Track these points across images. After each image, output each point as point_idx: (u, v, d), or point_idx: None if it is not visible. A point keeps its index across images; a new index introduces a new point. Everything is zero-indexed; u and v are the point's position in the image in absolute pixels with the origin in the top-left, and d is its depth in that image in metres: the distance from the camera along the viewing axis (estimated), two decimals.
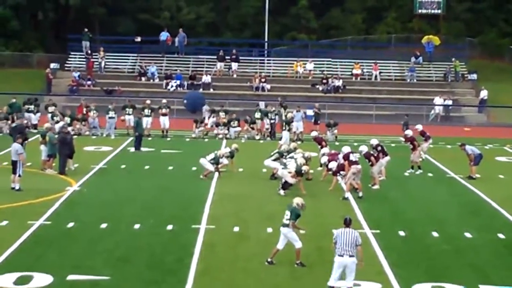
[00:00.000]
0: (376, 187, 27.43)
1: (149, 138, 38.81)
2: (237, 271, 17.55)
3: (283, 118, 39.92)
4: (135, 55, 57.42)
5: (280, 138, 37.69)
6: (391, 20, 69.20)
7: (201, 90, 52.12)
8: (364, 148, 28.03)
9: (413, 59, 57.23)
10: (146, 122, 39.23)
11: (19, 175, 25.42)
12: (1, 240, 19.33)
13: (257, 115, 41.80)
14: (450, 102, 51.85)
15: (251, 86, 53.86)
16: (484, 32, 66.87)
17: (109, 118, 40.29)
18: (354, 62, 56.84)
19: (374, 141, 29.19)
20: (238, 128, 40.99)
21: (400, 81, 56.24)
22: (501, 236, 21.22)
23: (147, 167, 31.07)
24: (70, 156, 29.42)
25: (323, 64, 57.40)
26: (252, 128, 41.18)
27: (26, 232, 20.23)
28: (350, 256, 15.50)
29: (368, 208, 24.20)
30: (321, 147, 30.45)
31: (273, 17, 65.05)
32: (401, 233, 21.26)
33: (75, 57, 57.14)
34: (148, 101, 41.64)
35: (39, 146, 29.87)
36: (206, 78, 54.03)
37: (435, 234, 21.22)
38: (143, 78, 54.68)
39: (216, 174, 28.74)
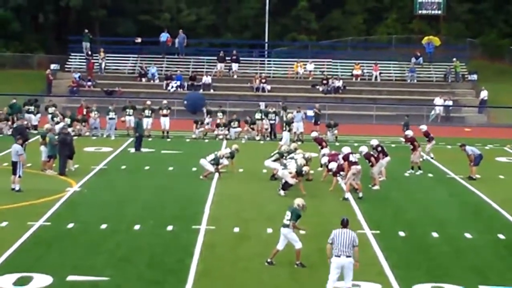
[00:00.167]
0: (376, 187, 27.43)
1: (150, 139, 38.82)
2: (237, 272, 17.55)
3: (284, 119, 39.91)
4: (135, 56, 57.46)
5: (281, 139, 37.70)
6: (391, 21, 69.25)
7: (201, 91, 52.13)
8: (364, 149, 28.03)
9: (413, 59, 57.25)
10: (147, 122, 39.23)
11: (19, 176, 25.42)
12: (1, 241, 19.33)
13: (258, 115, 41.81)
14: (450, 103, 51.85)
15: (251, 87, 53.87)
16: (484, 33, 66.91)
17: (109, 119, 40.30)
18: (354, 62, 56.89)
19: (374, 142, 29.19)
20: (239, 129, 41.01)
21: (401, 82, 56.26)
22: (501, 236, 21.21)
23: (147, 167, 31.07)
24: (70, 157, 29.42)
25: (324, 64, 57.43)
26: (252, 129, 41.20)
27: (26, 233, 20.23)
28: (347, 256, 15.51)
29: (368, 208, 24.20)
30: (321, 148, 30.45)
31: (274, 18, 65.13)
32: (401, 233, 21.26)
33: (75, 58, 57.19)
34: (148, 102, 41.68)
35: (39, 147, 29.87)
36: (207, 79, 54.04)
37: (435, 234, 21.22)
38: (143, 79, 54.72)
39: (216, 174, 28.74)
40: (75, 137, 33.11)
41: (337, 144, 37.23)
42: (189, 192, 26.35)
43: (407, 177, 30.49)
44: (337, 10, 70.10)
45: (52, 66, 55.48)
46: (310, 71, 55.70)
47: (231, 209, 23.87)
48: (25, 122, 38.74)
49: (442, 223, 22.76)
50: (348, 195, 25.60)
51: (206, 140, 40.00)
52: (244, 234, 20.87)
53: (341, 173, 26.76)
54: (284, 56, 60.90)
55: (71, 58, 57.41)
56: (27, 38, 64.53)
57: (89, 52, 55.67)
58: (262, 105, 46.34)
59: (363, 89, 54.76)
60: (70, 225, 21.22)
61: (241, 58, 56.84)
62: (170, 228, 21.22)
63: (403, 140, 33.17)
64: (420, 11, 61.88)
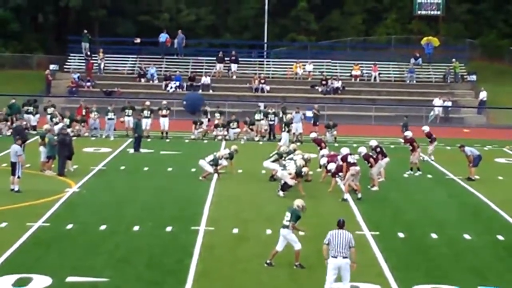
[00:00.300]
0: (375, 188, 27.43)
1: (149, 140, 38.82)
2: (237, 273, 17.56)
3: (284, 119, 39.89)
4: (135, 56, 57.42)
5: (280, 140, 37.70)
6: (390, 21, 69.20)
7: (200, 91, 52.12)
8: (363, 150, 28.05)
9: (412, 60, 57.22)
10: (146, 123, 39.25)
11: (18, 177, 25.41)
12: (0, 242, 19.31)
13: (257, 116, 41.81)
14: (449, 103, 51.83)
15: (250, 87, 53.86)
16: (484, 34, 66.87)
17: (108, 119, 40.29)
18: (353, 63, 56.86)
19: (373, 143, 29.20)
20: (238, 130, 40.99)
21: (400, 82, 56.23)
22: (500, 238, 21.22)
23: (146, 168, 31.06)
24: (69, 158, 29.43)
25: (323, 65, 57.40)
26: (252, 130, 41.19)
27: (25, 234, 20.22)
28: (344, 257, 15.53)
29: (367, 209, 24.21)
30: (320, 149, 30.45)
31: (273, 18, 65.14)
32: (401, 234, 21.27)
33: (74, 59, 57.15)
34: (147, 103, 41.68)
35: (38, 148, 29.86)
36: (206, 80, 54.03)
37: (434, 235, 21.22)
38: (142, 80, 54.69)
39: (215, 175, 28.74)
40: (74, 138, 33.10)
41: (336, 144, 37.26)
42: (188, 193, 26.35)
43: (406, 178, 30.50)
44: (336, 10, 70.09)
45: (51, 67, 55.43)
46: (309, 72, 55.69)
47: (230, 210, 23.87)
48: (24, 123, 38.78)
49: (441, 224, 22.76)
50: (347, 196, 25.60)
51: (205, 141, 40.00)
52: (243, 235, 20.87)
53: (340, 174, 26.76)
54: (283, 56, 60.91)
55: (70, 59, 57.38)
56: (27, 38, 64.50)
57: (88, 53, 55.62)
58: (262, 105, 46.36)
59: (362, 90, 54.76)
60: (69, 226, 21.22)
61: (240, 59, 56.79)
62: (169, 229, 21.22)
63: (402, 141, 33.17)
64: (419, 12, 61.82)
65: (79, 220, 21.98)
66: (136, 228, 21.23)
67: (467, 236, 21.25)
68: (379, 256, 19.02)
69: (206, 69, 56.15)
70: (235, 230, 21.26)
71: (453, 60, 56.28)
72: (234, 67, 55.83)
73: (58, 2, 64.06)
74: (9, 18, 63.12)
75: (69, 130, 34.92)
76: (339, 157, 27.24)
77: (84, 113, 41.58)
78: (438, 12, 61.52)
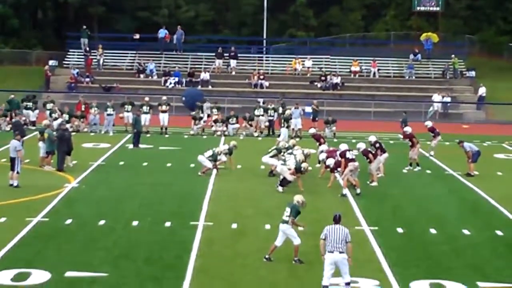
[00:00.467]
0: (374, 184, 27.44)
1: (148, 135, 38.81)
2: (236, 268, 17.56)
3: (283, 115, 39.89)
4: (134, 52, 57.46)
5: (279, 135, 37.71)
6: (389, 17, 69.26)
7: (199, 87, 52.13)
8: (362, 145, 28.06)
9: (411, 56, 57.20)
10: (145, 119, 39.26)
11: (17, 172, 25.41)
12: None
13: (257, 112, 41.79)
14: (448, 99, 51.84)
15: (249, 83, 53.85)
16: (483, 30, 66.93)
17: (108, 115, 40.28)
18: (352, 59, 56.88)
19: (372, 138, 29.19)
20: (237, 125, 40.97)
21: (399, 78, 56.24)
22: (499, 233, 21.22)
23: (145, 164, 31.06)
24: (68, 153, 29.42)
25: (322, 61, 57.39)
26: (251, 125, 41.18)
27: (24, 229, 20.22)
28: (340, 252, 15.54)
29: (366, 205, 24.21)
30: (320, 144, 30.45)
31: (272, 14, 65.14)
32: (400, 230, 21.27)
33: (73, 54, 57.18)
34: (146, 98, 41.67)
35: (38, 143, 29.84)
36: (205, 75, 54.01)
37: (433, 231, 21.22)
38: (141, 75, 54.70)
39: (214, 171, 28.74)
40: (73, 133, 33.09)
41: (335, 140, 37.25)
42: (187, 189, 26.35)
43: (405, 173, 30.50)
44: (336, 6, 70.13)
45: (51, 62, 55.44)
46: (308, 68, 55.69)
47: (229, 205, 23.87)
48: (23, 118, 38.77)
49: (440, 219, 22.76)
50: (345, 191, 25.60)
51: (204, 137, 39.98)
52: (242, 230, 20.87)
53: (338, 169, 26.75)
54: (282, 52, 60.89)
55: (69, 54, 57.40)
56: (26, 34, 64.56)
57: (87, 48, 55.61)
58: (261, 101, 46.34)
59: (361, 86, 54.77)
60: (68, 221, 21.22)
61: (239, 55, 56.80)
62: (168, 224, 21.22)
63: (401, 136, 33.16)
64: (418, 8, 61.83)
65: (78, 215, 21.97)
66: (135, 223, 21.23)
67: (466, 232, 21.25)
68: (378, 252, 19.02)
69: (205, 65, 56.14)
70: (234, 225, 21.26)
71: (452, 56, 56.27)
72: (233, 63, 55.81)
73: None
74: (9, 14, 63.16)
75: (68, 125, 34.91)
76: (338, 153, 27.25)
77: (83, 109, 41.56)
78: (437, 8, 61.56)
